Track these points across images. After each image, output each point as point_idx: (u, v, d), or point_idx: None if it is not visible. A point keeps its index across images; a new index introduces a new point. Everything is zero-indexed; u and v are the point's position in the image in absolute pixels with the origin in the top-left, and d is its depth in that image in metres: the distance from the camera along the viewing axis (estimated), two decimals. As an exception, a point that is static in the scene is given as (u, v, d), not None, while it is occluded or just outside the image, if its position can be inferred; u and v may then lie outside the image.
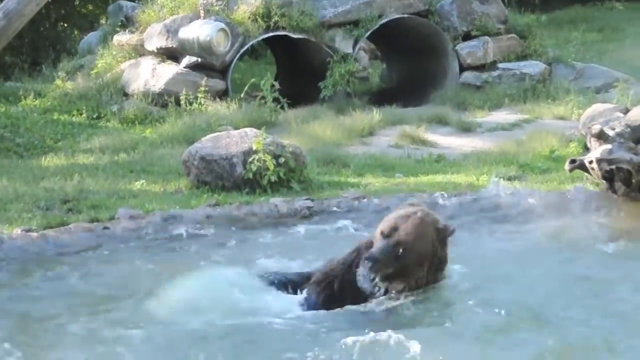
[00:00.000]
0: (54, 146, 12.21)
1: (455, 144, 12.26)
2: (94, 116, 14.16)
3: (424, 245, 5.20)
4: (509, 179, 9.83)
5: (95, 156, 11.37)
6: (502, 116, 13.73)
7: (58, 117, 13.97)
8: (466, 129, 13.03)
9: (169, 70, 14.93)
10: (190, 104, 14.02)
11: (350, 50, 15.43)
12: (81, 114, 14.22)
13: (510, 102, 14.48)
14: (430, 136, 12.49)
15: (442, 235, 5.28)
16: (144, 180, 9.66)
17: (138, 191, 9.15)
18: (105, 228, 7.43)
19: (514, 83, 15.21)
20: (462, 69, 15.85)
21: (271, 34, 15.13)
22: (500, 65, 15.72)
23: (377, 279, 5.23)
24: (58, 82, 15.50)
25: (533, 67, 15.58)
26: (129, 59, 15.91)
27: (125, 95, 15.04)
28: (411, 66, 17.19)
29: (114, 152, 11.54)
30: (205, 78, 14.53)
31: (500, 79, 15.43)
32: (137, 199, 8.63)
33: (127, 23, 17.08)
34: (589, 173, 8.85)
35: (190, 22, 14.68)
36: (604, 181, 8.68)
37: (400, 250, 5.16)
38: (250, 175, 9.19)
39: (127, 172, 10.25)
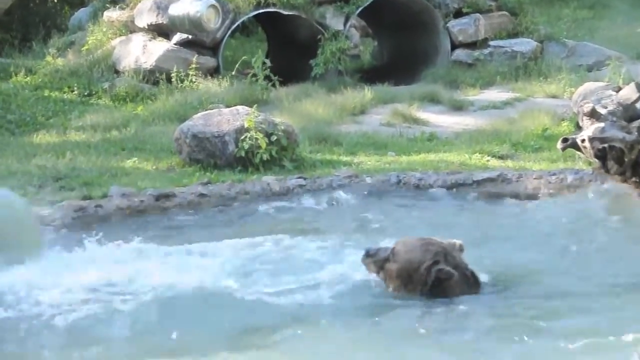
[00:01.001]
0: (46, 123, 12.17)
1: (447, 123, 12.27)
2: (86, 93, 14.10)
3: (411, 268, 5.17)
4: (501, 157, 9.88)
5: (87, 133, 11.35)
6: (494, 94, 13.74)
7: (49, 94, 13.91)
8: (458, 107, 13.04)
9: (160, 47, 14.85)
10: (182, 81, 13.96)
11: (341, 28, 15.38)
12: (72, 91, 14.16)
13: (502, 80, 14.47)
14: (422, 114, 12.49)
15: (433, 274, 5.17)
16: (136, 158, 9.66)
17: (130, 169, 9.15)
18: (98, 206, 7.43)
19: (506, 61, 15.18)
20: (454, 46, 15.81)
21: (262, 10, 15.07)
22: (492, 42, 15.68)
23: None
24: (49, 58, 15.42)
25: (524, 44, 15.56)
26: (120, 35, 15.81)
27: (117, 72, 14.97)
28: (402, 44, 17.16)
29: (105, 130, 11.52)
30: (196, 55, 14.46)
31: (491, 56, 15.40)
32: (130, 176, 8.64)
33: (117, -1, 16.98)
34: (581, 152, 8.85)
35: (181, -2, 14.60)
36: (597, 160, 8.69)
37: (390, 257, 5.24)
38: (243, 154, 9.20)
39: (119, 150, 10.25)
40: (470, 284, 5.22)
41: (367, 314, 5.02)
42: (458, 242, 5.29)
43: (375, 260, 5.28)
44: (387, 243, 5.47)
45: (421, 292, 5.14)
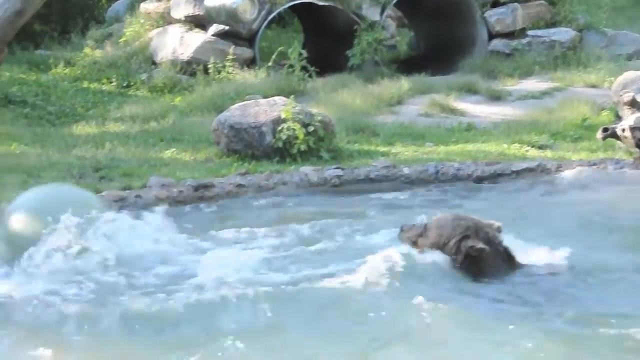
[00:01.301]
0: (85, 114, 12.31)
1: (485, 113, 12.20)
2: (124, 84, 14.24)
3: (441, 243, 5.18)
4: (540, 147, 9.81)
5: (125, 124, 11.45)
6: (533, 84, 13.63)
7: (88, 86, 14.06)
8: (496, 97, 12.95)
9: (197, 38, 14.93)
10: (219, 72, 14.03)
11: (377, 18, 15.35)
12: (111, 83, 14.30)
13: (540, 70, 14.34)
14: (460, 105, 12.43)
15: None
16: (174, 149, 9.72)
17: (169, 159, 9.21)
18: (137, 196, 7.48)
19: (544, 50, 15.05)
20: (491, 36, 15.71)
21: (298, 1, 15.07)
22: (530, 32, 15.57)
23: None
24: (87, 50, 15.58)
25: (563, 34, 15.42)
26: (157, 27, 15.92)
27: (154, 63, 15.08)
28: (439, 34, 17.07)
29: (144, 121, 11.61)
30: (233, 46, 14.52)
31: (529, 46, 15.28)
32: (169, 167, 8.69)
33: (154, -10, 17.07)
34: (622, 141, 8.78)
35: (217, -11, 14.65)
36: (637, 149, 8.61)
37: (423, 232, 5.29)
38: (280, 144, 9.21)
39: (158, 141, 10.32)
40: (506, 261, 5.17)
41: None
42: (496, 223, 5.24)
43: (409, 235, 5.32)
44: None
45: (453, 268, 5.12)
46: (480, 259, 5.06)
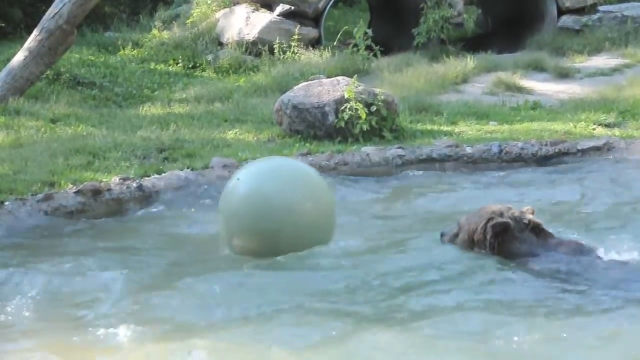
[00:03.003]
0: (151, 95, 12.45)
1: (552, 91, 11.98)
2: (190, 65, 14.35)
3: (472, 232, 5.32)
4: (607, 125, 9.60)
5: (190, 105, 11.55)
6: (602, 61, 13.33)
7: (155, 67, 14.22)
8: (564, 74, 12.71)
9: (263, 18, 14.96)
10: (284, 52, 14.05)
11: (444, -5, 15.16)
12: (177, 64, 14.44)
13: (610, 46, 14.01)
14: (526, 82, 12.23)
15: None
16: (237, 130, 9.78)
17: (232, 140, 9.27)
18: (200, 176, 7.56)
19: (615, 26, 14.69)
20: (561, 12, 15.38)
21: (364, -20, 14.99)
22: (601, 8, 15.21)
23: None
24: (155, 31, 15.73)
25: (636, 8, 15.03)
26: (224, 7, 15.99)
27: (220, 44, 15.16)
28: (507, 11, 16.78)
29: (208, 102, 11.70)
30: (299, 26, 14.51)
31: (600, 22, 14.93)
32: (231, 148, 8.74)
33: (221, -29, 17.13)
34: (693, 120, 8.55)
35: (283, -31, 14.65)
36: None
37: (458, 230, 5.48)
38: (342, 124, 9.20)
39: (221, 122, 10.39)
40: (538, 237, 5.18)
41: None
42: (528, 207, 5.33)
43: (449, 237, 5.52)
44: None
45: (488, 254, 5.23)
46: (509, 237, 5.15)
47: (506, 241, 5.16)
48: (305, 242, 5.54)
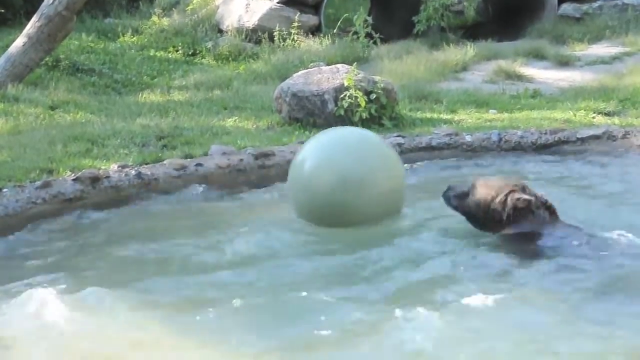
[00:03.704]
0: (150, 83, 12.44)
1: (552, 79, 11.95)
2: (189, 53, 14.34)
3: (488, 200, 5.33)
4: (607, 114, 9.59)
5: (190, 92, 11.54)
6: (602, 49, 13.29)
7: (154, 54, 14.20)
8: (564, 62, 12.68)
9: (263, 5, 14.93)
10: (284, 40, 14.03)
11: (444, -17, 15.10)
12: (177, 51, 14.42)
13: (611, 34, 13.98)
14: (526, 70, 12.21)
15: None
16: (236, 117, 9.77)
17: (231, 128, 9.26)
18: (198, 164, 7.55)
19: (616, 14, 14.65)
20: (561, 0, 15.34)
21: (364, -33, 14.94)
22: (602, -5, 15.16)
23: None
24: (154, 18, 15.70)
25: (637, -4, 14.98)
26: (224, -6, 15.96)
27: (220, 31, 15.14)
28: (508, -2, 16.75)
29: (208, 89, 11.69)
30: (299, 13, 14.49)
31: (601, 10, 14.89)
32: (230, 135, 8.73)
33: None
34: (693, 108, 8.53)
35: (283, -44, 14.60)
36: None
37: (470, 191, 5.46)
38: (342, 112, 9.18)
39: (221, 109, 10.37)
40: (550, 215, 5.24)
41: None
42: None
43: (456, 194, 5.50)
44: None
45: (499, 225, 5.25)
46: (528, 211, 5.18)
47: (522, 215, 5.18)
48: (377, 213, 5.68)
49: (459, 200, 5.48)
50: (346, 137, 6.13)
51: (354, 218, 5.69)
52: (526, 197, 5.19)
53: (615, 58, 12.71)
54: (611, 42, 13.65)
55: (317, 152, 5.91)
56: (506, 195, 5.23)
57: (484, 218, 5.34)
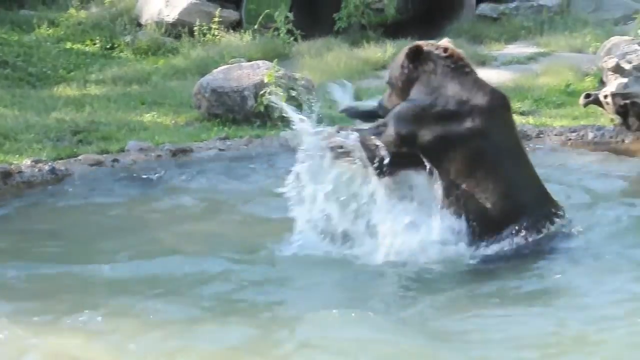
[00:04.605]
0: (67, 76, 12.18)
1: (470, 78, 12.10)
2: (107, 46, 14.07)
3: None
4: (522, 113, 9.77)
5: (107, 87, 11.36)
6: (518, 49, 13.53)
7: (71, 47, 13.91)
8: (481, 62, 12.81)
9: (183, 0, 14.77)
10: (204, 35, 13.90)
11: (365, -20, 15.19)
12: (94, 44, 14.15)
13: (526, 34, 14.24)
14: (445, 69, 12.32)
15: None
16: (155, 113, 9.67)
17: (149, 123, 9.16)
18: (115, 160, 7.45)
19: (531, 15, 14.93)
20: (479, 0, 15.57)
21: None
22: (518, -4, 15.43)
23: None
24: (72, 10, 15.35)
25: (551, -2, 15.30)
26: (143, -13, 15.73)
27: (139, 25, 14.91)
28: (428, -3, 16.93)
29: (126, 84, 11.53)
30: (219, 8, 14.37)
31: (517, 10, 15.15)
32: (148, 131, 8.65)
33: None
34: (604, 108, 8.74)
35: (203, -51, 14.47)
36: (618, 116, 8.58)
37: None
38: (262, 109, 9.17)
39: (139, 104, 10.25)
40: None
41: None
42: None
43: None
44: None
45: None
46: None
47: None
48: None
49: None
50: None
51: None
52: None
53: (530, 58, 12.95)
54: (526, 43, 13.91)
55: None
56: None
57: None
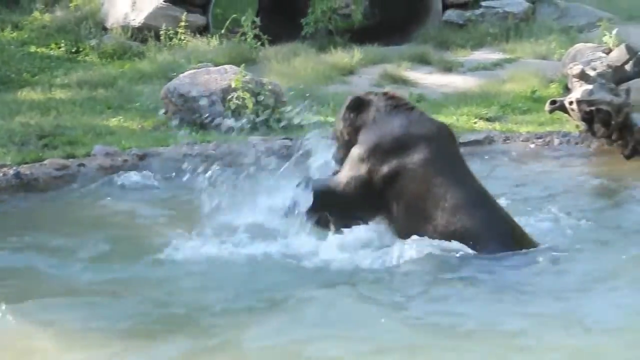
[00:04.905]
0: (31, 80, 12.05)
1: (437, 84, 12.19)
2: (73, 50, 13.94)
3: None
4: (489, 119, 9.84)
5: (72, 91, 11.25)
6: (484, 55, 13.63)
7: (36, 50, 13.77)
8: (448, 68, 12.94)
9: (149, 3, 14.68)
10: (170, 39, 13.83)
11: (332, -14, 15.21)
12: (59, 48, 14.01)
13: (492, 41, 14.33)
14: (412, 75, 12.40)
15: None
16: (121, 117, 9.60)
17: (115, 128, 9.10)
18: (81, 165, 7.38)
19: (497, 22, 15.02)
20: (445, 6, 15.65)
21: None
22: (484, 3, 15.49)
23: None
24: (36, 14, 15.22)
25: (516, 5, 15.39)
26: (108, -9, 15.63)
27: (105, 29, 14.80)
28: (394, 3, 16.98)
29: (91, 88, 11.42)
30: (186, 13, 14.31)
31: (483, 17, 15.24)
32: (114, 135, 8.59)
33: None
34: (569, 114, 8.82)
35: (168, -48, 14.41)
36: (584, 123, 8.66)
37: None
38: (229, 114, 9.13)
39: (105, 108, 10.18)
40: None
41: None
42: None
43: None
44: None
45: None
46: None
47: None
48: None
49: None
50: None
51: None
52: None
53: (496, 64, 13.05)
54: (492, 49, 14.01)
55: None
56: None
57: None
